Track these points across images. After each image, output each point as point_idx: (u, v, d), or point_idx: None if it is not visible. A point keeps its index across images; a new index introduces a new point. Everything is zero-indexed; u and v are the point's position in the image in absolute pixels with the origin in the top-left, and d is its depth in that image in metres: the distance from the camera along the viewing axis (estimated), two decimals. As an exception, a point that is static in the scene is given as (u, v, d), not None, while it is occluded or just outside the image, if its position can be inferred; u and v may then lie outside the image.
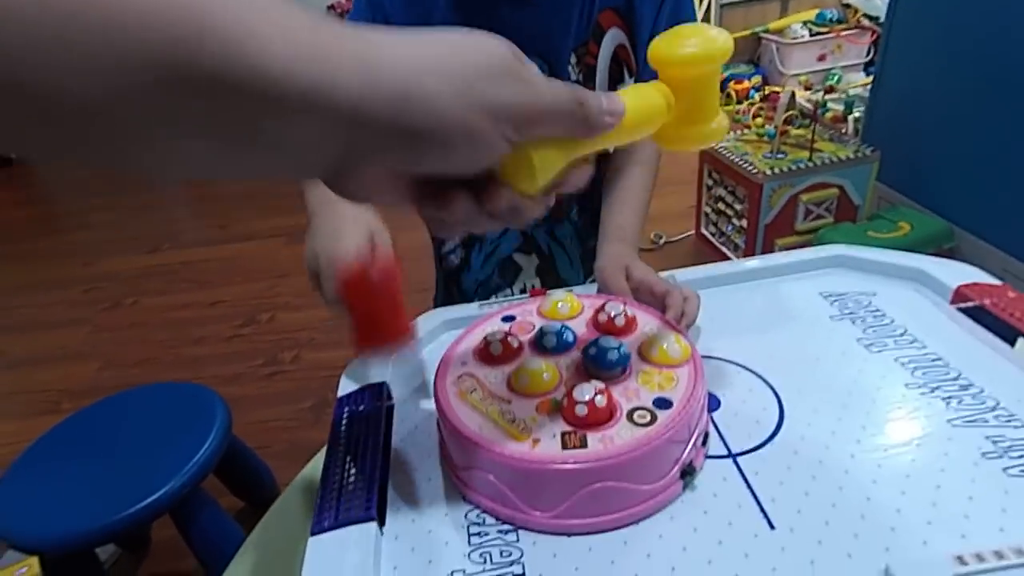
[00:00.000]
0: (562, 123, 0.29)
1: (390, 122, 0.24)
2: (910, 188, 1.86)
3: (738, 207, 1.93)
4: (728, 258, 2.03)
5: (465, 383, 0.45)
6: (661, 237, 2.28)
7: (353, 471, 0.44)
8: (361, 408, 0.51)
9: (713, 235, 2.14)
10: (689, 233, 2.27)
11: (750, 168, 1.79)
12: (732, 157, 1.88)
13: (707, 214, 2.16)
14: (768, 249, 1.87)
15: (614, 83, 0.68)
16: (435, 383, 0.45)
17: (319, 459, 0.60)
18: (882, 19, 2.00)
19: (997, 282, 0.52)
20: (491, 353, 0.46)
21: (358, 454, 0.46)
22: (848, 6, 3.44)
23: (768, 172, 1.74)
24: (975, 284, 0.52)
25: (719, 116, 0.38)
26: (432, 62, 0.25)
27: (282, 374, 1.84)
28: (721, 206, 2.04)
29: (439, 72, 0.25)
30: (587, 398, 0.39)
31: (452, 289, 0.82)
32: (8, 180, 3.95)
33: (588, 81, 0.68)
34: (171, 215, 3.16)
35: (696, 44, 0.35)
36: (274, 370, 1.86)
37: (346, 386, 0.54)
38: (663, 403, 0.40)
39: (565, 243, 0.78)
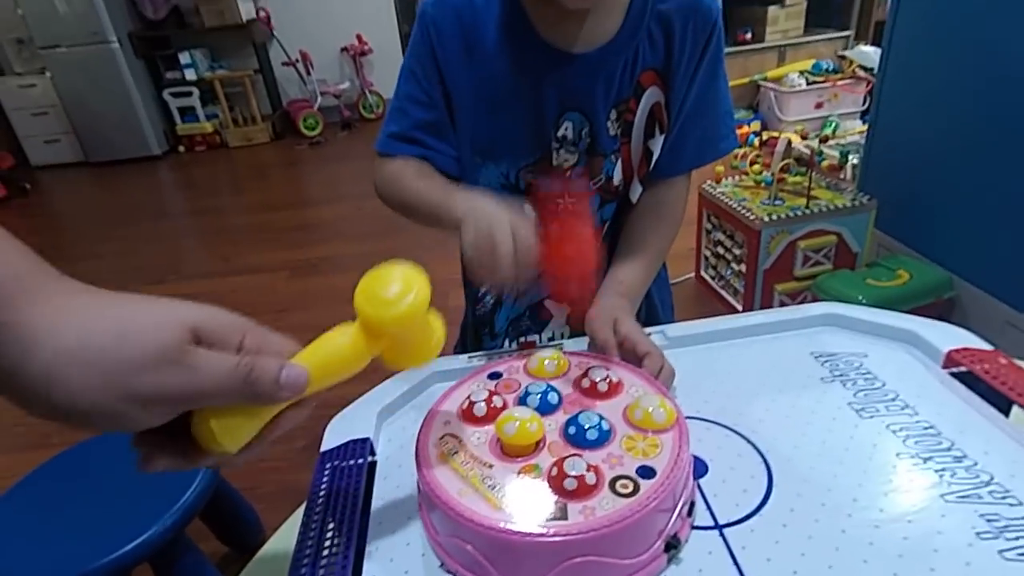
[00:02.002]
0: (230, 398, 0.31)
1: (35, 394, 0.27)
2: (909, 236, 1.86)
3: (737, 252, 1.94)
4: (727, 302, 2.02)
5: (447, 444, 0.44)
6: (661, 280, 2.28)
7: (331, 531, 0.43)
8: (343, 464, 0.50)
9: (712, 279, 2.14)
10: (689, 276, 2.27)
11: (748, 214, 1.80)
12: (730, 202, 1.89)
13: (706, 257, 2.16)
14: (767, 294, 1.87)
15: (647, 138, 0.70)
16: (417, 443, 0.44)
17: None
18: (876, 70, 2.04)
19: (988, 347, 0.51)
20: (475, 413, 0.46)
21: (336, 514, 0.45)
22: (843, 57, 3.53)
23: (766, 218, 1.75)
24: (966, 349, 0.51)
25: (435, 336, 0.40)
26: (90, 354, 0.27)
27: (275, 413, 1.82)
28: (720, 250, 2.04)
29: (90, 364, 0.27)
30: (577, 473, 0.38)
31: (481, 331, 0.82)
32: (24, 209, 4.02)
33: (624, 135, 0.69)
34: (178, 246, 3.19)
35: (393, 303, 0.35)
36: (268, 408, 1.83)
37: (330, 440, 0.53)
38: (647, 472, 0.39)
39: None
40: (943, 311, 1.65)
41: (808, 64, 3.52)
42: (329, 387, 0.36)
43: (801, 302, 1.82)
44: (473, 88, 0.66)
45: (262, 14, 4.75)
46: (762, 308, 1.85)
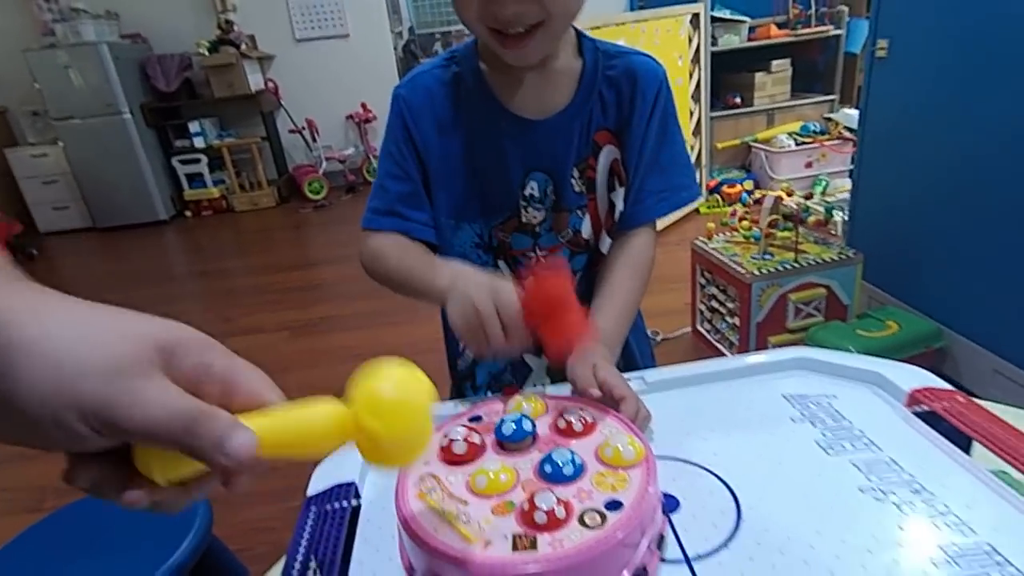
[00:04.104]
0: (166, 444, 0.28)
1: None
2: (897, 289, 1.90)
3: (730, 305, 1.97)
4: (723, 354, 2.04)
5: (426, 483, 0.46)
6: (658, 334, 2.30)
7: (311, 573, 0.45)
8: (328, 507, 0.51)
9: (708, 332, 2.16)
10: (686, 330, 2.29)
11: (739, 268, 1.85)
12: (721, 258, 1.94)
13: (702, 312, 2.19)
14: (762, 346, 1.88)
15: (610, 192, 0.76)
16: (397, 484, 0.46)
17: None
18: (858, 131, 2.14)
19: (948, 387, 0.54)
20: (454, 453, 0.48)
21: (319, 554, 0.46)
22: (829, 119, 3.67)
23: (756, 272, 1.79)
24: (928, 389, 0.54)
25: (424, 436, 0.36)
26: (48, 347, 0.26)
27: (274, 472, 1.77)
28: (715, 304, 2.07)
29: (46, 357, 0.26)
30: (548, 507, 0.40)
31: (463, 384, 0.85)
32: (31, 275, 4.03)
33: (590, 191, 0.75)
34: (181, 308, 3.23)
35: (397, 419, 0.33)
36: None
37: (316, 484, 0.55)
38: (614, 505, 0.41)
39: None
40: (934, 361, 1.66)
41: (796, 126, 3.66)
42: (283, 459, 0.32)
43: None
44: (446, 157, 0.72)
45: (270, 85, 4.98)
46: (757, 361, 1.86)
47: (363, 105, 5.04)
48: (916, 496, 0.44)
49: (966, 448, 0.49)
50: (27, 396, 0.25)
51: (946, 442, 0.49)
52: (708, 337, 2.15)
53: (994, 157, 1.51)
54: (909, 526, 0.42)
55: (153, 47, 4.86)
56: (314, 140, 5.05)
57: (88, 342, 0.27)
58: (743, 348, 1.91)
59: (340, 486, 0.54)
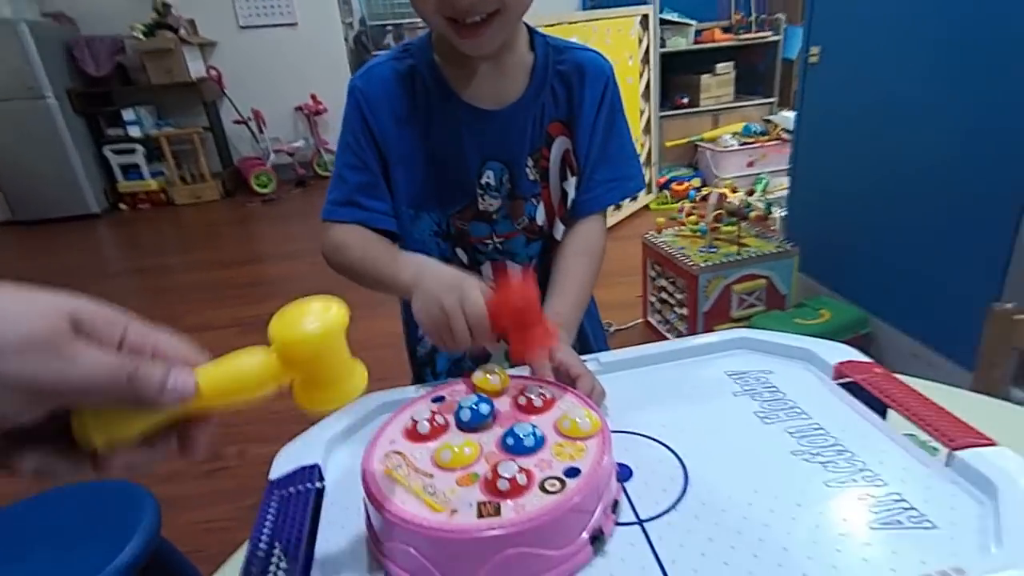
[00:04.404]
0: (106, 398, 0.29)
1: None
2: (829, 279, 2.02)
3: (679, 296, 2.05)
4: (671, 346, 2.12)
5: (392, 460, 0.48)
6: (611, 325, 2.36)
7: (277, 554, 0.45)
8: (292, 490, 0.52)
9: (659, 323, 2.24)
10: (638, 321, 2.37)
11: (687, 261, 1.92)
12: (671, 251, 2.02)
13: (652, 303, 2.27)
14: (707, 336, 1.97)
15: (562, 181, 0.79)
16: (363, 461, 0.48)
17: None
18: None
19: (867, 360, 0.59)
20: (419, 432, 0.50)
21: (283, 537, 0.47)
22: (769, 121, 3.84)
23: (703, 264, 1.88)
24: (851, 362, 0.59)
25: (354, 375, 0.38)
26: None
27: (224, 471, 1.77)
28: (664, 295, 2.15)
29: None
30: (510, 475, 0.43)
31: (423, 371, 0.86)
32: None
33: (544, 180, 0.78)
34: (121, 306, 3.09)
35: (303, 326, 0.35)
36: (216, 467, 1.78)
37: (279, 468, 0.55)
38: (573, 472, 0.44)
39: None
40: (861, 346, 1.77)
41: (739, 127, 3.82)
42: (229, 406, 0.34)
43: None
44: (402, 147, 0.74)
45: (213, 73, 4.80)
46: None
47: (313, 96, 4.94)
48: (839, 456, 0.49)
49: (882, 413, 0.54)
50: None
51: (866, 409, 0.54)
52: (659, 328, 2.23)
53: (915, 157, 1.63)
54: (833, 482, 0.46)
55: (80, 28, 4.59)
56: (261, 132, 4.91)
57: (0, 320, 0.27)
58: (690, 338, 1.99)
59: (303, 468, 0.54)
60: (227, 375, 0.34)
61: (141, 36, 4.40)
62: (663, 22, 3.56)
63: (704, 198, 2.79)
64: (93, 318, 0.30)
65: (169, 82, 4.48)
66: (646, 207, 3.62)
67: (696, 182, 3.71)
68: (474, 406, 0.50)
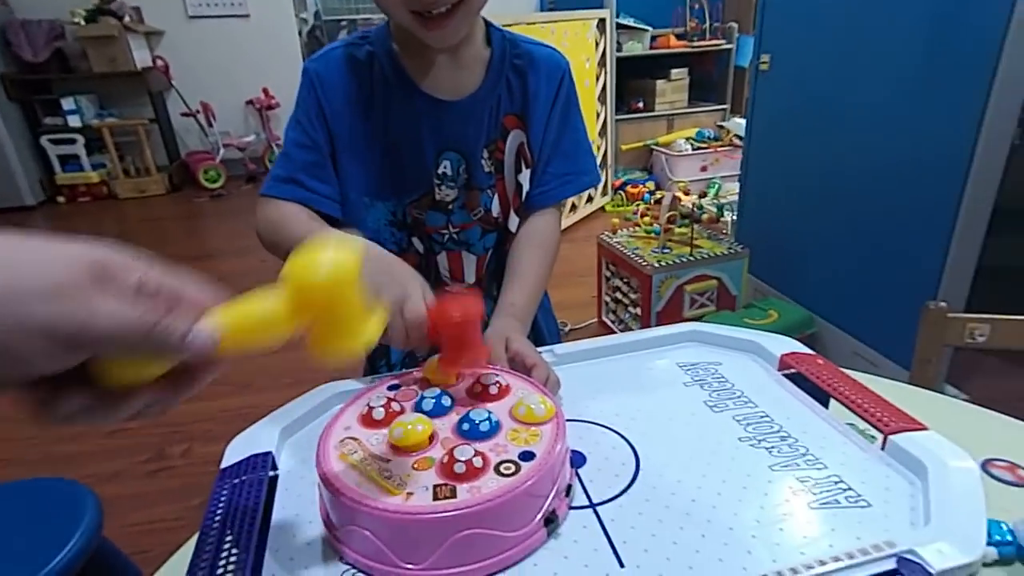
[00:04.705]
0: (129, 349, 0.30)
1: None
2: (777, 281, 2.10)
3: (633, 296, 2.09)
4: (626, 344, 2.16)
5: (347, 446, 0.47)
6: (566, 325, 2.39)
7: (228, 542, 0.44)
8: (244, 478, 0.51)
9: (613, 322, 2.28)
10: (592, 321, 2.40)
11: (641, 261, 1.96)
12: (625, 251, 2.05)
13: (607, 303, 2.31)
14: (660, 335, 2.02)
15: (517, 173, 0.80)
16: (318, 446, 0.47)
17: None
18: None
19: (810, 352, 0.62)
20: (374, 418, 0.49)
21: (235, 525, 0.46)
22: (722, 127, 3.96)
23: (656, 264, 1.92)
24: (795, 354, 0.62)
25: (371, 322, 0.38)
26: None
27: (168, 470, 1.71)
28: (619, 295, 2.19)
29: None
30: (466, 458, 0.43)
31: (378, 362, 0.85)
32: None
33: (498, 172, 0.79)
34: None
35: (318, 270, 0.34)
36: (160, 466, 1.72)
37: (231, 457, 0.54)
38: (527, 456, 0.44)
39: (487, 318, 0.83)
40: (808, 344, 1.85)
41: (693, 132, 3.92)
42: (245, 353, 0.34)
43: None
44: (358, 133, 0.73)
45: (159, 63, 4.62)
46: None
47: (264, 91, 4.81)
48: (783, 442, 0.51)
49: (825, 403, 0.57)
50: None
51: (809, 398, 0.57)
52: (613, 327, 2.27)
53: (858, 163, 1.72)
54: (777, 466, 0.49)
55: (14, 11, 4.33)
56: (210, 125, 4.75)
57: (19, 270, 0.27)
58: (643, 336, 2.03)
59: (256, 456, 0.53)
60: (245, 322, 0.33)
61: (82, 22, 4.19)
62: (619, 26, 3.63)
63: (658, 201, 2.87)
64: (113, 266, 0.30)
65: (112, 71, 4.28)
66: (601, 209, 3.67)
67: (651, 185, 3.79)
68: (436, 398, 0.50)
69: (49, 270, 0.28)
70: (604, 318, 2.33)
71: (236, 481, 0.51)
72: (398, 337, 0.57)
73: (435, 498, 0.41)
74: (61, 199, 4.47)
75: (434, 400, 0.50)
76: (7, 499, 1.07)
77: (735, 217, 2.62)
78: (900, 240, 1.59)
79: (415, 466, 0.44)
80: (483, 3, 0.67)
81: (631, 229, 2.27)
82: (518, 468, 0.43)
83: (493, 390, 0.52)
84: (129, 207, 4.45)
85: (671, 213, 2.10)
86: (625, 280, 2.13)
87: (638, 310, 2.06)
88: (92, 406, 0.31)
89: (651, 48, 3.93)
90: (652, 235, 2.14)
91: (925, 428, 0.49)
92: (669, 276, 1.94)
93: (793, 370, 0.61)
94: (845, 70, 1.73)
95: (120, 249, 0.31)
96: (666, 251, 2.02)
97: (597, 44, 3.31)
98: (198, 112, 4.71)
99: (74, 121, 4.36)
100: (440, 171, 0.75)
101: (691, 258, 1.96)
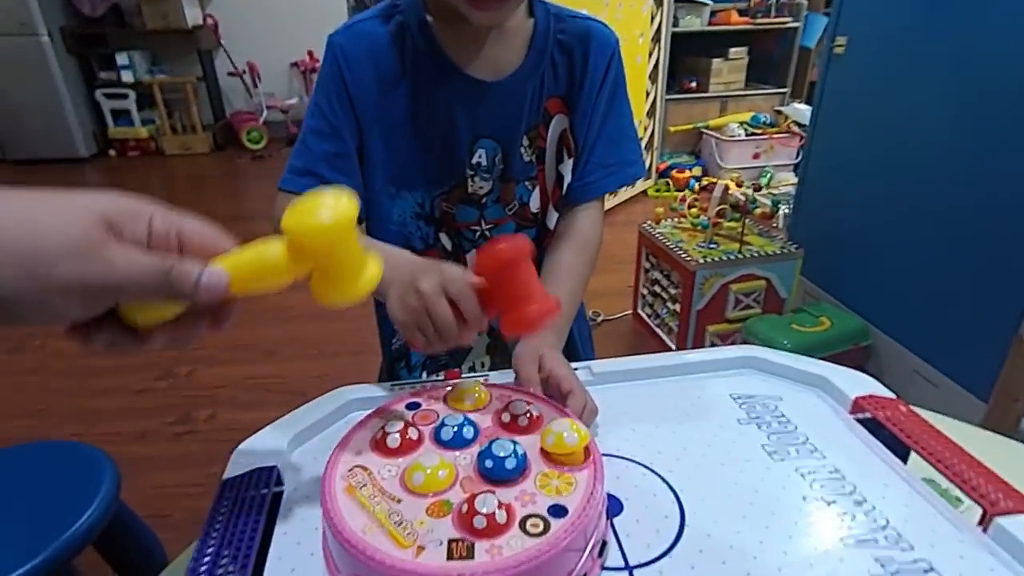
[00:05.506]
0: (147, 294, 0.32)
1: None
2: (832, 286, 1.97)
3: (672, 291, 1.99)
4: (661, 340, 2.07)
5: (356, 477, 0.42)
6: (599, 315, 2.31)
7: (222, 563, 0.40)
8: (245, 494, 0.47)
9: (649, 316, 2.19)
10: (627, 313, 2.32)
11: (684, 255, 1.86)
12: (668, 243, 1.95)
13: (644, 295, 2.22)
14: (700, 334, 1.92)
15: (558, 163, 0.72)
16: (324, 474, 0.42)
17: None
18: (807, 127, 2.18)
19: (891, 395, 0.54)
20: (388, 445, 0.44)
21: (232, 547, 0.42)
22: (779, 112, 3.75)
23: (701, 260, 1.82)
24: (872, 396, 0.54)
25: (368, 269, 0.39)
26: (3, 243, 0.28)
27: (193, 434, 1.72)
28: (657, 288, 2.10)
29: (6, 251, 0.28)
30: (488, 511, 0.37)
31: (397, 365, 0.80)
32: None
33: (539, 162, 0.71)
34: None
35: (314, 218, 0.36)
36: (185, 429, 1.73)
37: (234, 467, 0.50)
38: (558, 511, 0.38)
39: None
40: (860, 358, 1.74)
41: (747, 116, 3.73)
42: (251, 295, 0.36)
43: (731, 343, 1.88)
44: (386, 116, 0.66)
45: (209, 21, 4.63)
46: (694, 348, 1.90)
47: (310, 53, 4.77)
48: (858, 508, 0.44)
49: (904, 457, 0.49)
50: (4, 288, 0.28)
51: (887, 452, 0.49)
52: (648, 322, 2.18)
53: (931, 166, 1.57)
54: (850, 539, 0.41)
55: (75, -35, 4.40)
56: (255, 86, 4.75)
57: (39, 234, 0.28)
58: (682, 335, 1.94)
59: (260, 470, 0.49)
60: (251, 267, 0.36)
61: (138, -23, 4.22)
62: (677, 0, 3.44)
63: (706, 188, 2.73)
64: (122, 214, 0.32)
65: (164, 28, 4.33)
66: (644, 193, 3.54)
67: (698, 170, 3.63)
68: (457, 427, 0.44)
69: (67, 228, 0.29)
70: (640, 311, 2.24)
71: (238, 496, 0.46)
72: (445, 325, 0.48)
73: (449, 557, 0.35)
74: (112, 152, 4.57)
75: (455, 430, 0.44)
76: (26, 460, 1.08)
77: (789, 212, 2.48)
78: (983, 255, 1.43)
79: (429, 511, 0.39)
80: None
81: (676, 219, 2.16)
82: (547, 527, 0.37)
83: (523, 421, 0.46)
84: (175, 163, 4.51)
85: (721, 206, 1.98)
86: (665, 273, 2.03)
87: (677, 306, 1.97)
88: (119, 340, 0.34)
89: (710, 24, 3.71)
90: (698, 228, 2.03)
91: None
92: (714, 273, 1.84)
93: (868, 414, 0.53)
94: (932, 59, 1.56)
95: (124, 196, 0.33)
96: (713, 246, 1.91)
97: (653, 18, 3.15)
98: (244, 72, 4.71)
99: (127, 76, 4.43)
100: (474, 160, 0.68)
101: (740, 255, 1.84)
